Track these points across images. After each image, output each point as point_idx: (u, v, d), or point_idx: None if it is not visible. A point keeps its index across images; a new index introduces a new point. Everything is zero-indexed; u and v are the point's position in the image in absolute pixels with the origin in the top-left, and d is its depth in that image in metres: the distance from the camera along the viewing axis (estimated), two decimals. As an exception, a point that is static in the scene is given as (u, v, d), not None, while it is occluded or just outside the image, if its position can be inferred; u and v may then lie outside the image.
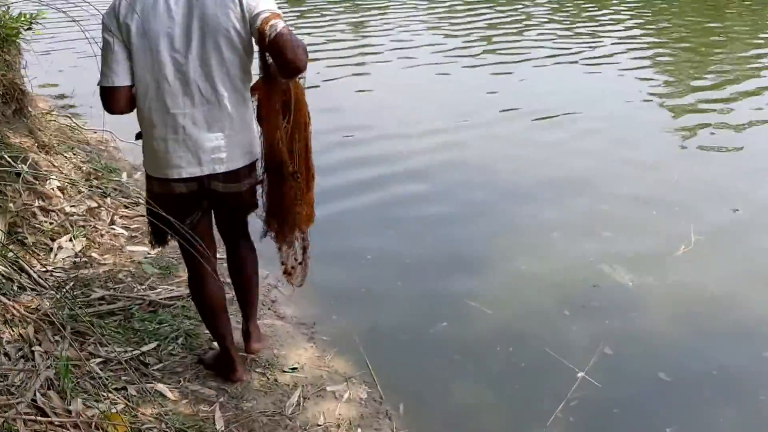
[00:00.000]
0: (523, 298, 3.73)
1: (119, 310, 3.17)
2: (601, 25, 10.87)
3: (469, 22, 11.17)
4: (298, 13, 12.25)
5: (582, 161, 5.44)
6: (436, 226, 4.50)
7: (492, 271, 3.99)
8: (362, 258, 4.10)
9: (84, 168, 4.65)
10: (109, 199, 4.23)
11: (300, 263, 2.69)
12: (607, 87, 7.64)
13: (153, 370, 2.82)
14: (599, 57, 8.88)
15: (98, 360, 2.73)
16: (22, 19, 4.35)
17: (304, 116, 2.42)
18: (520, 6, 12.53)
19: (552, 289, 3.79)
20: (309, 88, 2.46)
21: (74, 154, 4.83)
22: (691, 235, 4.21)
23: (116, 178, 4.78)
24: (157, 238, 2.63)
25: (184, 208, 2.47)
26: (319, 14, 12.32)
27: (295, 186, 2.44)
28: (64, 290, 3.17)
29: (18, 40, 4.46)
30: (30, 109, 4.54)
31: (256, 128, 2.46)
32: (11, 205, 3.33)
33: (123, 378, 2.66)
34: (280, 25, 2.17)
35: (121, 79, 2.31)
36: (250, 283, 2.83)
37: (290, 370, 2.94)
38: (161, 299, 3.33)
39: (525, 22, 11.22)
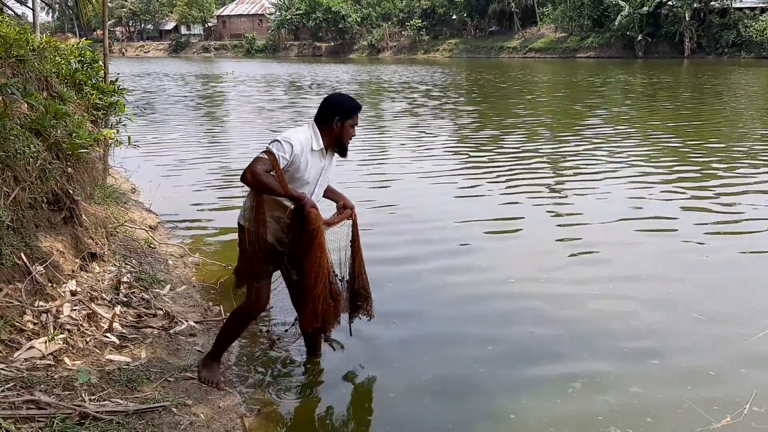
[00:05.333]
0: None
1: (42, 417, 3.01)
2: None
3: None
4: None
5: None
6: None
7: None
8: None
9: (126, 278, 4.77)
10: (119, 308, 4.24)
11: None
12: None
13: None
14: None
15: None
16: (85, 136, 4.70)
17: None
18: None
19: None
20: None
21: (126, 264, 5.00)
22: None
23: (156, 289, 4.85)
24: None
25: None
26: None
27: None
28: (0, 389, 3.09)
29: (85, 153, 4.80)
30: (84, 218, 4.80)
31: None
32: (-15, 301, 3.41)
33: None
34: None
35: None
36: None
37: None
38: (98, 412, 3.12)
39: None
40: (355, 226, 3.88)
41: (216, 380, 3.73)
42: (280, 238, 3.61)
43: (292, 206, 3.50)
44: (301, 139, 3.48)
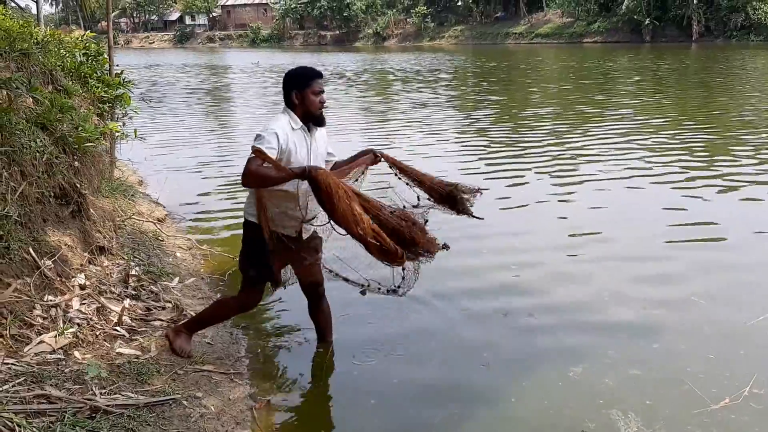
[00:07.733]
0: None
1: (53, 411, 3.06)
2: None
3: None
4: None
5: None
6: None
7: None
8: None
9: (134, 271, 4.82)
10: (127, 301, 4.29)
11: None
12: None
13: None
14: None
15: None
16: (91, 130, 4.74)
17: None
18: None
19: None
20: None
21: (134, 257, 5.06)
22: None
23: (164, 282, 4.90)
24: None
25: None
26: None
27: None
28: (10, 384, 3.15)
29: (92, 147, 4.84)
30: (92, 212, 4.85)
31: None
32: (-8, 297, 3.46)
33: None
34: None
35: None
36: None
37: None
38: (108, 406, 3.17)
39: None
40: (387, 159, 3.77)
41: (189, 350, 3.92)
42: (294, 228, 3.68)
43: (303, 185, 3.48)
44: (281, 125, 3.51)
